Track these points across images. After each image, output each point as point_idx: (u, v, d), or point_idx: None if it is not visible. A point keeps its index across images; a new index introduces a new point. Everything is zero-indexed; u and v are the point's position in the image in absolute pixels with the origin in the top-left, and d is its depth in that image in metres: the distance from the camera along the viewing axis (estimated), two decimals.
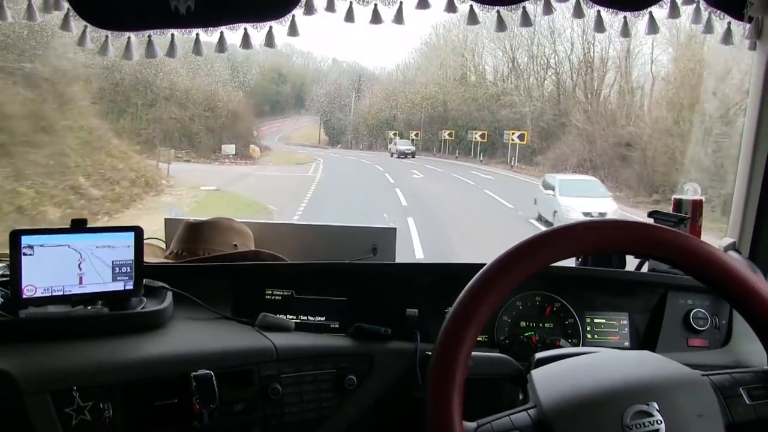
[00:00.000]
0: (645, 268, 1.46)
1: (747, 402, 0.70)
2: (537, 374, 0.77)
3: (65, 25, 1.36)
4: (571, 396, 0.69)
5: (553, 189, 11.19)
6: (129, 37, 1.37)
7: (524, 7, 1.40)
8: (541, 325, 1.34)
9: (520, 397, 0.82)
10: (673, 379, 0.70)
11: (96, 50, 1.40)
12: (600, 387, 0.69)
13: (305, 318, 1.33)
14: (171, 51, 1.36)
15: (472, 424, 0.72)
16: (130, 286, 1.19)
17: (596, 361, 0.77)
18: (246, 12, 1.31)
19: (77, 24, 1.36)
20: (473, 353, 0.73)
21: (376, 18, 1.41)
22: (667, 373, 0.71)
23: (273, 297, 1.33)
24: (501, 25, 1.44)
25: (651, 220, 1.41)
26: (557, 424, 0.67)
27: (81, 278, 1.15)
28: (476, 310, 0.71)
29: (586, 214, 10.57)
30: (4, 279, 1.17)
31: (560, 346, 1.26)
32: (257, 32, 1.34)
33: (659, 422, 0.65)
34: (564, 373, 0.76)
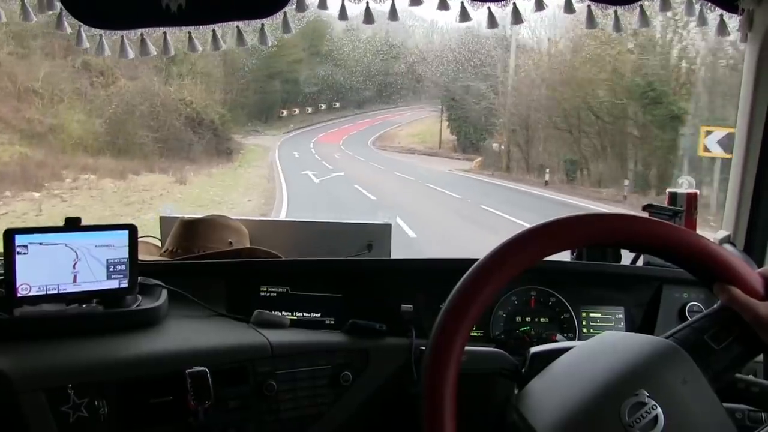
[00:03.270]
0: (640, 262, 1.46)
1: (715, 348, 0.69)
2: (522, 402, 0.75)
3: (59, 25, 1.37)
4: (565, 414, 0.68)
5: None
6: (122, 36, 1.38)
7: (515, 4, 1.40)
8: (536, 319, 1.34)
9: (515, 392, 0.82)
10: (645, 356, 0.69)
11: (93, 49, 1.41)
12: (587, 394, 0.68)
13: (300, 315, 1.33)
14: (165, 49, 1.37)
15: None
16: (124, 284, 1.19)
17: (571, 365, 0.76)
18: (237, 10, 1.32)
19: (71, 23, 1.37)
20: (467, 348, 0.73)
21: (368, 17, 1.42)
22: (638, 353, 0.69)
23: (268, 294, 1.33)
24: (492, 21, 1.44)
25: (646, 214, 1.42)
26: None
27: (75, 277, 1.15)
28: (470, 304, 0.71)
29: None
30: None
31: (556, 341, 1.26)
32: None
33: (654, 407, 0.65)
34: (546, 391, 0.74)
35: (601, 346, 0.76)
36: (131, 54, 1.41)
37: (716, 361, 0.69)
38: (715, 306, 0.73)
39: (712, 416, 0.66)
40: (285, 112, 15.28)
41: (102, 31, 1.37)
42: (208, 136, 12.43)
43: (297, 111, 15.52)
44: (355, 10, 1.41)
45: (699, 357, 0.68)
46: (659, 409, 0.65)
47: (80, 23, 1.36)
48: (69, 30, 1.38)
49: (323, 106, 15.92)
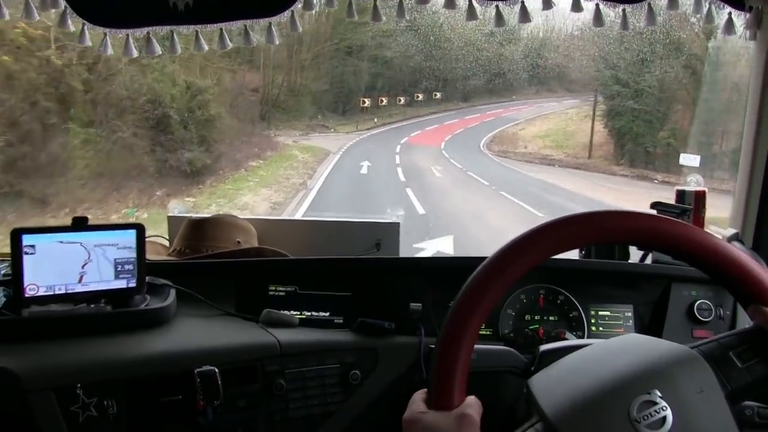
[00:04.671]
0: (649, 260, 1.46)
1: (739, 365, 0.69)
2: (534, 385, 0.75)
3: (62, 22, 1.36)
4: (574, 401, 0.68)
5: None
6: (128, 35, 1.37)
7: (523, 2, 1.40)
8: (545, 318, 1.33)
9: (524, 390, 0.82)
10: (666, 360, 0.69)
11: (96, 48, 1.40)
12: (600, 384, 0.68)
13: (309, 314, 1.32)
14: (172, 48, 1.36)
15: None
16: (132, 284, 1.19)
17: (589, 357, 0.76)
18: (245, 8, 1.31)
19: (75, 21, 1.36)
20: (477, 346, 0.73)
21: (376, 15, 1.41)
22: (659, 355, 0.70)
23: (277, 293, 1.33)
24: (500, 20, 1.44)
25: (654, 211, 1.41)
26: None
27: (83, 277, 1.15)
28: (480, 300, 0.71)
29: None
30: (7, 278, 1.17)
31: (565, 339, 1.26)
32: None
33: (665, 408, 0.65)
34: (560, 378, 0.74)
35: (623, 345, 0.76)
36: (135, 53, 1.41)
37: (737, 379, 0.68)
38: (747, 326, 0.72)
39: (721, 430, 0.65)
40: (367, 102, 10.93)
41: (107, 30, 1.36)
42: (129, 132, 5.92)
43: (384, 101, 11.20)
44: None
45: (721, 371, 0.68)
46: (669, 411, 0.65)
47: (84, 21, 1.35)
48: (72, 28, 1.38)
49: (420, 96, 11.76)
